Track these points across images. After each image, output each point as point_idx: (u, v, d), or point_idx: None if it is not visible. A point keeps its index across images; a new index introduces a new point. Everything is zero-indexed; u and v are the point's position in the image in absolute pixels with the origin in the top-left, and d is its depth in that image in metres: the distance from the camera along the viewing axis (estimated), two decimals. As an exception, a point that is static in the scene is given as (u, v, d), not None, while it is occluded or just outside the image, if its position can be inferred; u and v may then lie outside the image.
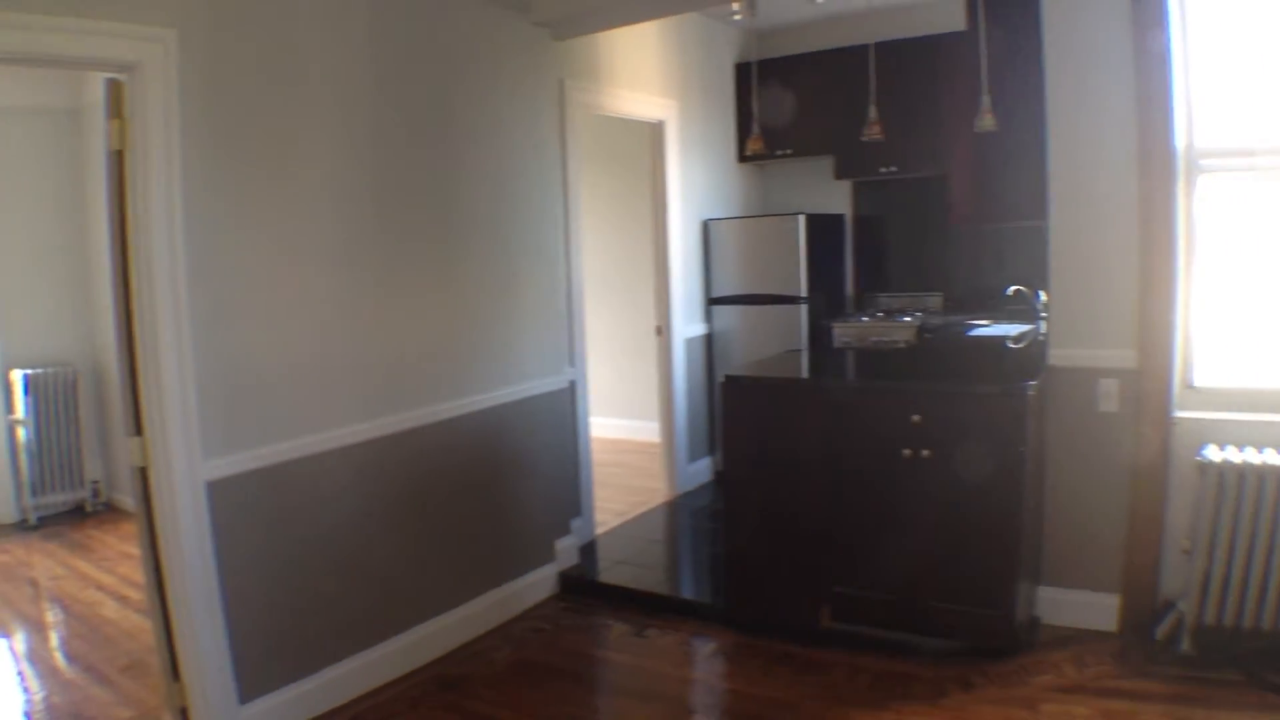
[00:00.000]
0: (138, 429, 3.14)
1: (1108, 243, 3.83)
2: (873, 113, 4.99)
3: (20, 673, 4.05)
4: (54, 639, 4.44)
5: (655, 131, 5.97)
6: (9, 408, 6.30)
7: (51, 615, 4.73)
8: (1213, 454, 3.56)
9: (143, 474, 3.16)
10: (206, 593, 3.17)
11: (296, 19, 3.45)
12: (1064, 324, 3.96)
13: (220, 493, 3.19)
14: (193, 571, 3.14)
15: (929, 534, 3.74)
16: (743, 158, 6.74)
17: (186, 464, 3.11)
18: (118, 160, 3.07)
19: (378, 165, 3.78)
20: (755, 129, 5.47)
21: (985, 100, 4.42)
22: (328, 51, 3.57)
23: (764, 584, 4.13)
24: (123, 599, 4.88)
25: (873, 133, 5.11)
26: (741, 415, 4.18)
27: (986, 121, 4.42)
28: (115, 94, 3.04)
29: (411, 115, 3.93)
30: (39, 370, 6.32)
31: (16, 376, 6.26)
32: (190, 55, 3.08)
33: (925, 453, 3.70)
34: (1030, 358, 4.28)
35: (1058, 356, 3.96)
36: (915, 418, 3.71)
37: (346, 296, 3.66)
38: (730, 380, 4.23)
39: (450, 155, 4.12)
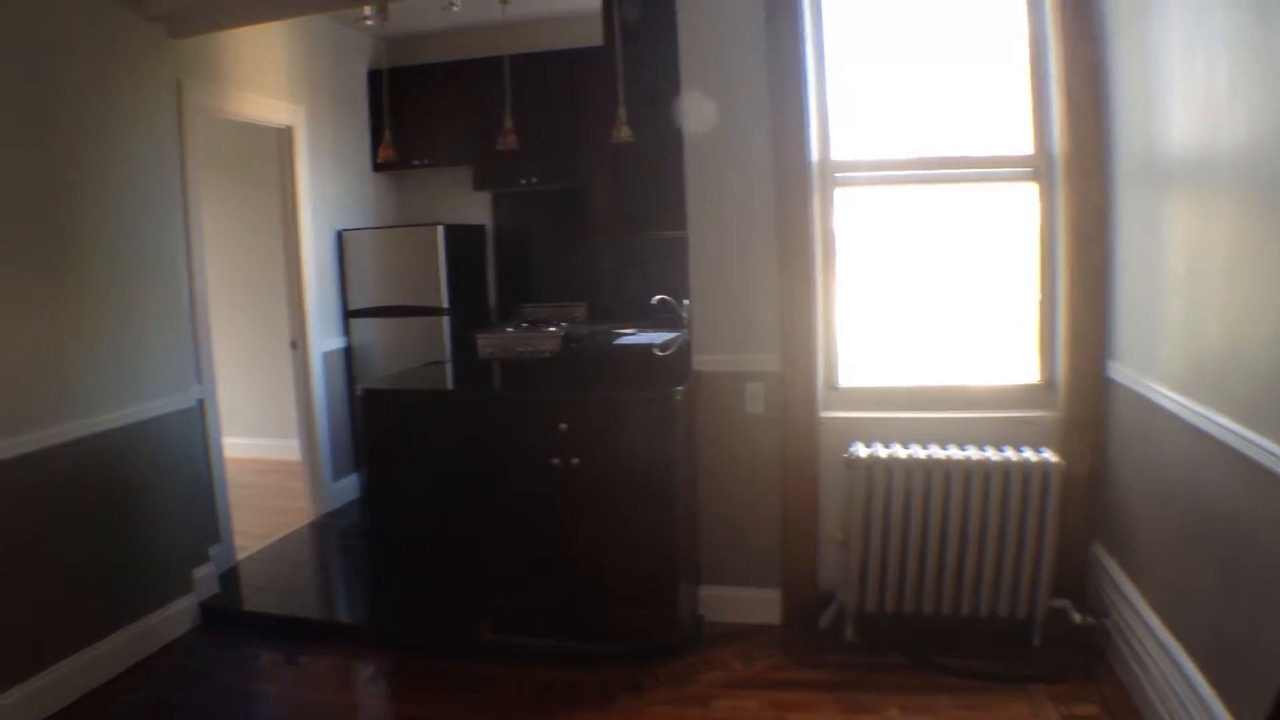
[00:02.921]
0: None
1: (747, 252, 3.97)
2: (508, 122, 5.05)
3: None
4: None
5: (283, 137, 5.73)
6: None
7: None
8: (859, 450, 3.75)
9: None
10: None
11: None
12: (707, 331, 4.07)
13: None
14: None
15: (586, 540, 3.78)
16: (376, 167, 6.61)
17: None
18: None
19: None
20: (387, 136, 5.38)
21: (621, 113, 4.59)
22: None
23: (420, 601, 4.05)
24: None
25: (508, 142, 5.18)
26: (384, 429, 4.08)
27: (623, 133, 4.59)
28: None
29: (6, 112, 3.51)
30: None
31: None
32: None
33: (575, 460, 3.72)
34: (678, 364, 4.41)
35: (703, 362, 4.06)
36: (562, 426, 3.73)
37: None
38: (370, 393, 4.13)
39: (51, 157, 3.73)
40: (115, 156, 4.06)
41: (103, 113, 3.99)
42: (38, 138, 3.66)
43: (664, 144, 4.24)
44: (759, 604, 4.07)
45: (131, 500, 4.08)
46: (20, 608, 3.50)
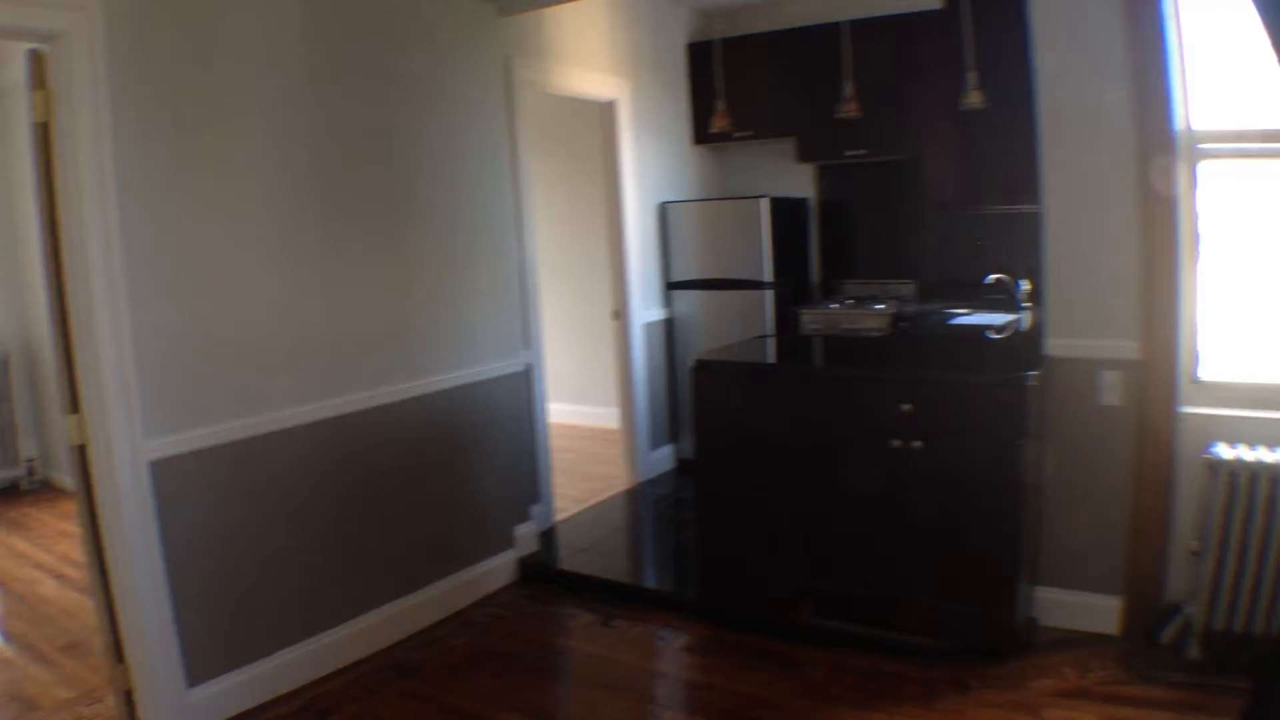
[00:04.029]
0: (74, 406, 3.04)
1: (1106, 229, 3.65)
2: (848, 89, 4.85)
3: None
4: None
5: (607, 111, 5.85)
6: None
7: (-15, 593, 4.55)
8: (1224, 452, 3.36)
9: (81, 452, 3.06)
10: (151, 574, 3.10)
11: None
12: (1062, 312, 3.76)
13: (164, 472, 3.12)
14: (136, 552, 3.06)
15: (920, 528, 3.58)
16: (703, 138, 6.59)
17: (128, 443, 3.03)
18: (43, 132, 2.95)
19: (319, 140, 3.67)
20: (720, 107, 5.34)
21: (971, 78, 4.28)
22: (262, 23, 3.45)
23: (740, 576, 3.98)
24: (61, 577, 4.76)
25: (849, 110, 4.98)
26: (715, 401, 4.00)
27: (973, 99, 4.28)
28: (38, 65, 2.92)
29: (353, 93, 3.81)
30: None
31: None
32: (116, 25, 2.98)
33: (917, 444, 3.52)
34: (1019, 348, 4.10)
35: (1056, 346, 3.76)
36: (906, 407, 3.53)
37: (291, 274, 3.56)
38: (702, 365, 4.06)
39: (395, 133, 4.00)
40: (452, 132, 4.30)
41: (438, 90, 4.24)
42: (383, 116, 3.95)
43: (1005, 112, 3.86)
44: (1096, 611, 3.74)
45: (462, 456, 4.34)
46: (362, 548, 3.83)
